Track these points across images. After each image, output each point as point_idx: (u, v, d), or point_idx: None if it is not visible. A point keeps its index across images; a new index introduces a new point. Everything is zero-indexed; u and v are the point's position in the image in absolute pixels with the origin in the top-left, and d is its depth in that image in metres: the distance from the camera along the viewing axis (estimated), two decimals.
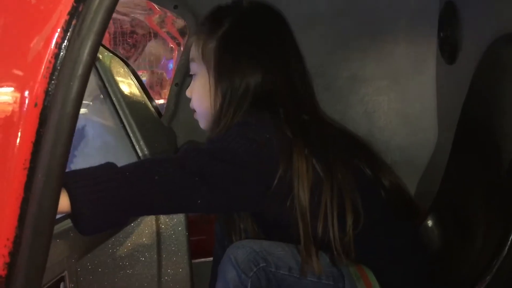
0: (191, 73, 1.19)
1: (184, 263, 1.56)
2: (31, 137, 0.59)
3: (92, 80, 1.63)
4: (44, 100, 0.57)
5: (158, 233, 1.54)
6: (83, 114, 1.65)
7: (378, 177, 1.13)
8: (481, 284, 1.01)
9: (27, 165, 0.59)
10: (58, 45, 0.57)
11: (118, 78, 1.68)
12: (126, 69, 1.75)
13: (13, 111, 0.59)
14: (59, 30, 0.57)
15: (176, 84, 1.79)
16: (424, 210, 1.49)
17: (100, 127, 1.65)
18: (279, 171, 1.00)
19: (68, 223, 1.00)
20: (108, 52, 1.69)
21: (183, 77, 1.78)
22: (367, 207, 1.05)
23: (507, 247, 1.01)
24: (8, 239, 0.61)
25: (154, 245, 1.52)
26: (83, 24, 0.57)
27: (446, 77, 1.72)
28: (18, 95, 0.58)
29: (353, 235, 1.02)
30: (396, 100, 1.87)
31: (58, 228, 1.00)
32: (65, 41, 0.57)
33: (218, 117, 1.10)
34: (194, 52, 1.16)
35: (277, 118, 1.06)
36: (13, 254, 0.62)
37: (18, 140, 0.59)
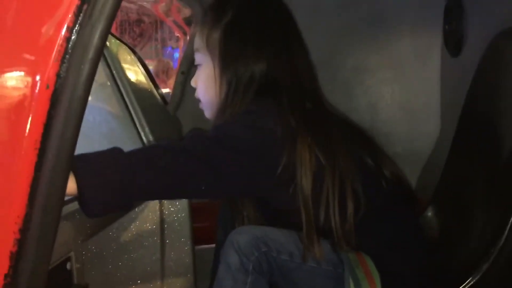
0: (196, 63, 1.20)
1: (187, 249, 1.58)
2: (42, 118, 0.60)
3: (99, 66, 1.65)
4: (56, 82, 0.59)
5: (162, 219, 1.56)
6: (89, 100, 1.67)
7: (379, 167, 1.15)
8: (478, 272, 1.03)
9: (38, 145, 0.61)
10: (70, 29, 0.59)
11: (125, 65, 1.69)
12: (133, 56, 1.76)
13: (25, 93, 0.61)
14: (70, 14, 0.59)
15: (182, 73, 1.81)
16: (425, 201, 1.51)
17: (106, 113, 1.67)
18: (283, 159, 1.01)
19: (74, 205, 1.02)
20: (115, 39, 1.71)
21: (189, 66, 1.80)
22: (368, 195, 1.07)
23: (504, 237, 1.02)
24: (18, 217, 0.63)
25: (157, 230, 1.54)
26: (94, 9, 0.59)
27: (450, 69, 1.72)
28: (30, 78, 0.60)
29: (353, 222, 1.04)
30: (399, 92, 1.88)
31: (64, 210, 1.02)
32: (77, 26, 0.58)
33: (223, 106, 1.11)
34: (198, 42, 1.16)
35: (281, 106, 1.07)
36: (23, 231, 0.64)
37: (29, 121, 0.61)
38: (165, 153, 0.96)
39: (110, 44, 1.66)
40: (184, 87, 1.82)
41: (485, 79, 1.32)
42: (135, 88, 1.68)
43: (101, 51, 0.59)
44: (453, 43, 1.63)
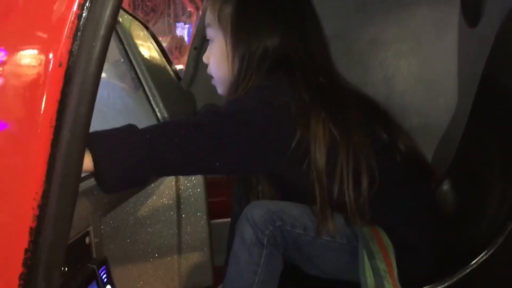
0: (207, 38, 1.19)
1: (203, 223, 1.60)
2: (57, 96, 0.61)
3: (112, 42, 1.65)
4: (68, 60, 0.60)
5: (178, 194, 1.58)
6: (103, 76, 1.68)
7: (394, 141, 1.14)
8: (493, 245, 1.02)
9: (53, 123, 0.62)
10: (81, 6, 0.58)
11: (138, 42, 1.69)
12: (145, 32, 1.76)
13: (39, 72, 0.61)
14: None
15: (195, 48, 1.80)
16: (441, 175, 1.50)
17: (120, 89, 1.68)
18: (297, 135, 1.01)
19: (91, 181, 1.04)
20: (128, 15, 1.70)
21: (202, 41, 1.79)
22: (382, 169, 1.06)
23: None
24: (37, 193, 0.64)
25: (174, 205, 1.56)
26: None
27: (468, 40, 1.69)
28: (43, 56, 0.61)
29: (368, 197, 1.04)
30: (416, 64, 1.86)
31: (82, 186, 1.03)
32: (87, 2, 0.58)
33: (236, 81, 1.11)
34: (210, 17, 1.15)
35: (294, 81, 1.06)
36: (42, 207, 0.65)
37: (44, 99, 0.61)
38: (179, 130, 0.96)
39: (122, 20, 1.66)
40: (197, 62, 1.82)
41: (503, 50, 1.29)
42: (148, 64, 1.68)
43: (112, 27, 0.59)
44: (471, 13, 1.59)
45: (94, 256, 0.99)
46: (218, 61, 1.15)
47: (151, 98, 1.65)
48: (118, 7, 0.59)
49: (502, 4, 1.35)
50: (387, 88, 1.87)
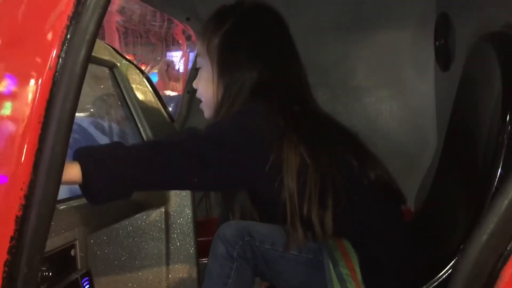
0: (197, 66, 1.30)
1: (191, 262, 1.63)
2: (46, 95, 0.70)
3: (109, 86, 1.77)
4: (57, 64, 0.69)
5: (167, 236, 1.61)
6: (101, 118, 1.78)
7: (363, 166, 1.20)
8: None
9: (42, 119, 0.70)
10: (69, 18, 0.69)
11: (134, 85, 1.81)
12: (141, 76, 1.88)
13: (30, 74, 0.71)
14: (70, 5, 0.69)
15: (188, 92, 1.92)
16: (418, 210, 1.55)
17: (117, 130, 1.77)
18: (271, 157, 1.10)
19: (81, 201, 1.11)
20: (125, 60, 1.83)
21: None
22: (349, 192, 1.13)
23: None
24: (24, 183, 0.72)
25: (163, 246, 1.59)
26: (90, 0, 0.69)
27: (442, 84, 1.80)
28: (36, 60, 0.70)
29: (333, 215, 1.10)
30: (397, 108, 1.95)
31: (70, 203, 1.11)
32: (75, 14, 0.68)
33: (219, 106, 1.21)
34: (200, 48, 1.28)
35: (271, 108, 1.16)
36: (28, 196, 0.72)
37: (36, 98, 0.70)
38: (162, 148, 1.05)
39: (120, 64, 1.78)
40: (190, 105, 1.93)
41: (466, 92, 1.39)
42: (143, 106, 1.79)
43: (96, 35, 0.69)
44: (443, 58, 1.71)
45: (79, 267, 1.04)
46: (205, 87, 1.26)
47: (145, 139, 1.74)
48: (102, 17, 0.69)
49: (467, 47, 1.47)
50: (370, 131, 1.96)
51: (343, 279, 1.08)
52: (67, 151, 0.73)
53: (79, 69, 0.69)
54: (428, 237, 1.30)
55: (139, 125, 1.77)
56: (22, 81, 0.71)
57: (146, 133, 1.75)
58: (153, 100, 1.88)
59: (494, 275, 0.56)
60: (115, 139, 1.75)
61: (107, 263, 1.46)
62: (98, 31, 0.69)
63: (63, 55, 0.69)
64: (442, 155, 1.51)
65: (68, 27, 0.69)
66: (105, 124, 1.80)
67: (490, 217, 0.56)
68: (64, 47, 0.69)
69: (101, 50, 1.68)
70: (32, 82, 0.70)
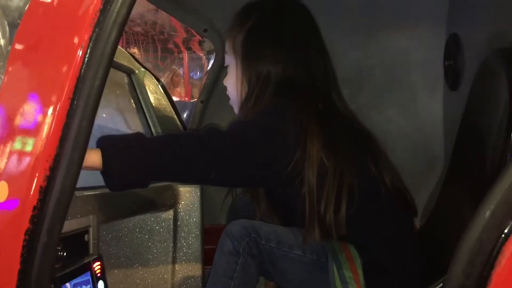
0: (225, 64, 1.32)
1: (197, 270, 1.65)
2: (76, 73, 0.75)
3: (127, 91, 1.83)
4: (88, 44, 0.74)
5: (175, 241, 1.63)
6: (118, 121, 1.83)
7: (380, 172, 1.22)
8: None
9: (71, 95, 0.75)
10: (102, 1, 0.74)
11: (150, 93, 1.86)
12: (158, 84, 1.93)
13: (64, 53, 0.75)
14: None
15: (202, 102, 1.97)
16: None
17: None
18: (295, 157, 1.11)
19: (96, 190, 1.15)
20: (143, 68, 1.89)
21: (209, 95, 1.96)
22: (364, 197, 1.16)
23: None
24: (50, 155, 0.76)
25: (170, 237, 1.62)
26: None
27: (451, 103, 1.83)
28: (69, 40, 0.75)
29: (345, 216, 1.13)
30: (405, 127, 1.99)
31: (87, 192, 1.14)
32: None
33: (244, 103, 1.23)
34: (227, 45, 1.30)
35: (294, 107, 1.16)
36: (53, 169, 0.76)
37: (69, 76, 0.75)
38: (183, 141, 1.08)
39: (138, 72, 1.84)
40: (202, 115, 1.97)
41: (474, 112, 1.42)
42: (158, 113, 1.84)
43: (127, 18, 0.74)
44: (452, 77, 1.75)
45: (91, 252, 1.07)
46: (232, 84, 1.28)
47: None
48: (132, 2, 0.74)
49: (477, 67, 1.50)
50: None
51: (345, 282, 1.09)
52: (92, 128, 0.78)
53: (109, 49, 0.73)
54: (434, 248, 1.32)
55: (153, 131, 1.82)
56: (56, 59, 0.76)
57: None
58: (167, 108, 1.93)
59: (496, 251, 0.59)
60: None
61: (114, 259, 1.49)
62: (129, 16, 0.74)
63: (94, 36, 0.74)
64: (448, 171, 1.54)
65: (101, 10, 0.74)
66: (121, 130, 1.85)
67: (493, 195, 0.59)
68: (96, 29, 0.74)
69: (121, 56, 1.74)
70: (66, 61, 0.75)
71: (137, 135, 1.06)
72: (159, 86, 1.92)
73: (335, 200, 1.13)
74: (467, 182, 1.37)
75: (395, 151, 1.98)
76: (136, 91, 1.84)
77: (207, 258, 1.69)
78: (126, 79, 1.80)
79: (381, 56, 1.95)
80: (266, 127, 1.12)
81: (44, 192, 0.76)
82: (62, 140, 0.76)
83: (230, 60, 1.29)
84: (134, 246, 1.55)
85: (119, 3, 0.73)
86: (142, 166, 1.02)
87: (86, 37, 0.74)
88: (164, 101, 1.93)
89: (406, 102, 1.98)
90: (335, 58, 1.96)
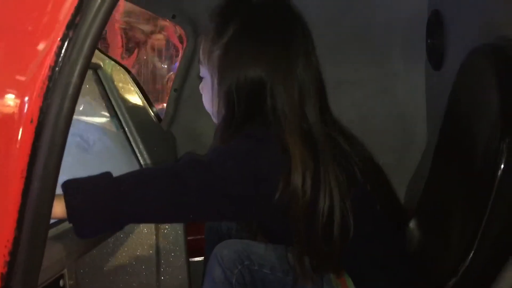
0: (200, 75, 1.19)
1: (181, 262, 1.63)
2: (28, 150, 0.66)
3: (94, 87, 1.71)
4: (39, 117, 0.65)
5: (157, 235, 1.60)
6: (84, 119, 1.73)
7: (375, 191, 1.14)
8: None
9: (24, 174, 0.67)
10: (51, 68, 0.64)
11: (119, 85, 1.75)
12: (127, 76, 1.82)
13: (12, 127, 0.66)
14: (52, 54, 0.64)
15: (175, 90, 1.87)
16: (410, 212, 1.55)
17: (101, 132, 1.72)
18: (279, 186, 1.02)
19: (65, 225, 1.08)
20: (109, 60, 1.76)
21: (182, 83, 1.86)
22: (358, 222, 1.07)
23: (472, 253, 1.06)
24: (8, 240, 0.69)
25: (153, 244, 1.59)
26: (73, 49, 0.64)
27: (434, 82, 1.78)
28: (17, 111, 0.66)
29: (340, 247, 1.06)
30: (388, 103, 1.93)
31: (56, 230, 1.07)
32: (58, 65, 0.64)
33: (222, 124, 1.12)
34: (202, 56, 1.17)
35: (277, 130, 1.06)
36: (12, 253, 0.69)
37: (17, 152, 0.66)
38: (156, 180, 0.99)
39: (104, 64, 1.72)
40: (177, 104, 1.88)
41: (463, 92, 1.36)
42: (129, 106, 1.74)
43: (80, 87, 0.65)
44: (435, 57, 1.68)
45: None
46: (207, 96, 1.16)
47: (131, 139, 1.71)
48: (85, 68, 0.65)
49: (461, 48, 1.43)
50: (362, 126, 1.94)
51: None
52: (52, 207, 0.70)
53: (63, 124, 0.64)
54: (424, 252, 1.29)
55: (125, 126, 1.73)
56: (3, 134, 0.67)
57: (131, 133, 1.71)
58: (139, 99, 1.83)
59: None
60: (98, 143, 1.70)
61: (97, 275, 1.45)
62: (82, 83, 0.65)
63: (44, 109, 0.65)
64: (435, 155, 1.49)
65: (50, 78, 0.64)
66: (88, 127, 1.75)
67: None
68: (47, 100, 0.64)
69: None
70: (14, 135, 0.66)
71: (104, 176, 0.97)
72: (129, 77, 1.81)
73: (326, 229, 1.05)
74: (454, 176, 1.33)
75: (376, 127, 1.96)
76: (103, 85, 1.73)
77: (191, 250, 1.67)
78: (93, 76, 1.68)
79: (360, 28, 1.85)
80: (246, 156, 1.03)
81: (6, 278, 0.69)
82: (20, 222, 0.68)
83: (206, 74, 1.17)
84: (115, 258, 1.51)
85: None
86: (112, 213, 0.94)
87: (36, 109, 0.65)
88: (135, 93, 1.82)
89: (387, 77, 1.92)
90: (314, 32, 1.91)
